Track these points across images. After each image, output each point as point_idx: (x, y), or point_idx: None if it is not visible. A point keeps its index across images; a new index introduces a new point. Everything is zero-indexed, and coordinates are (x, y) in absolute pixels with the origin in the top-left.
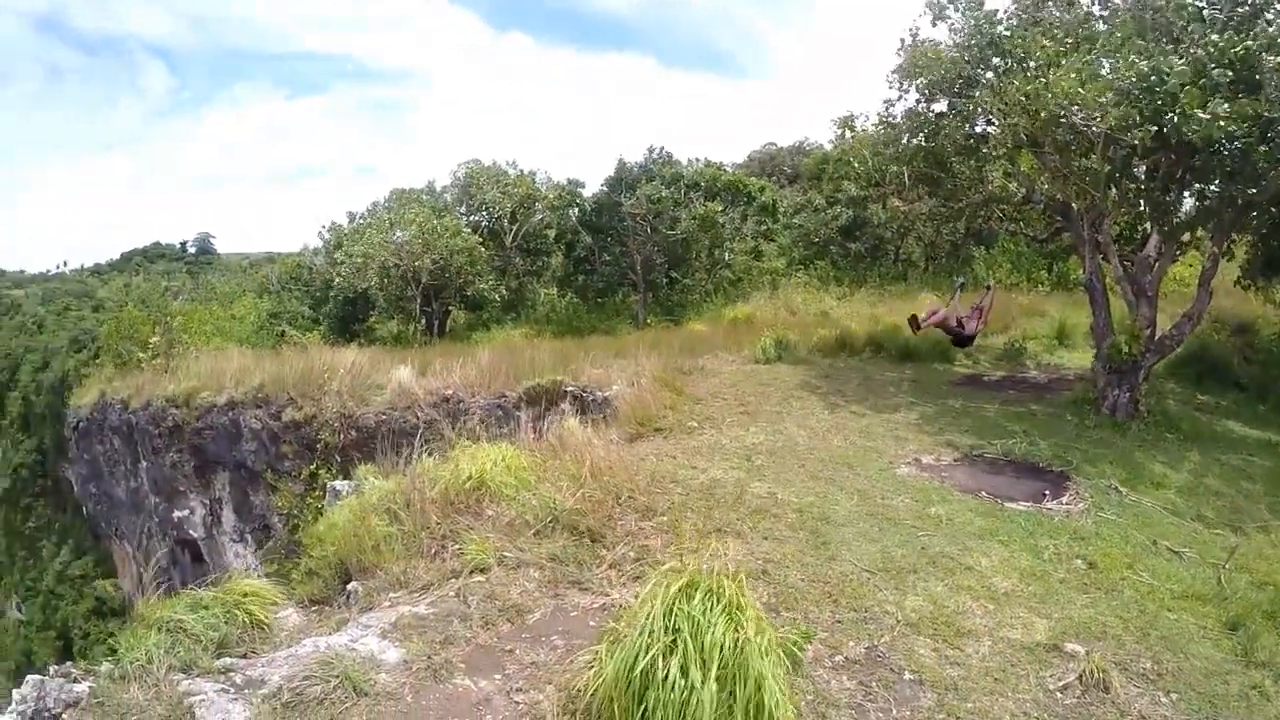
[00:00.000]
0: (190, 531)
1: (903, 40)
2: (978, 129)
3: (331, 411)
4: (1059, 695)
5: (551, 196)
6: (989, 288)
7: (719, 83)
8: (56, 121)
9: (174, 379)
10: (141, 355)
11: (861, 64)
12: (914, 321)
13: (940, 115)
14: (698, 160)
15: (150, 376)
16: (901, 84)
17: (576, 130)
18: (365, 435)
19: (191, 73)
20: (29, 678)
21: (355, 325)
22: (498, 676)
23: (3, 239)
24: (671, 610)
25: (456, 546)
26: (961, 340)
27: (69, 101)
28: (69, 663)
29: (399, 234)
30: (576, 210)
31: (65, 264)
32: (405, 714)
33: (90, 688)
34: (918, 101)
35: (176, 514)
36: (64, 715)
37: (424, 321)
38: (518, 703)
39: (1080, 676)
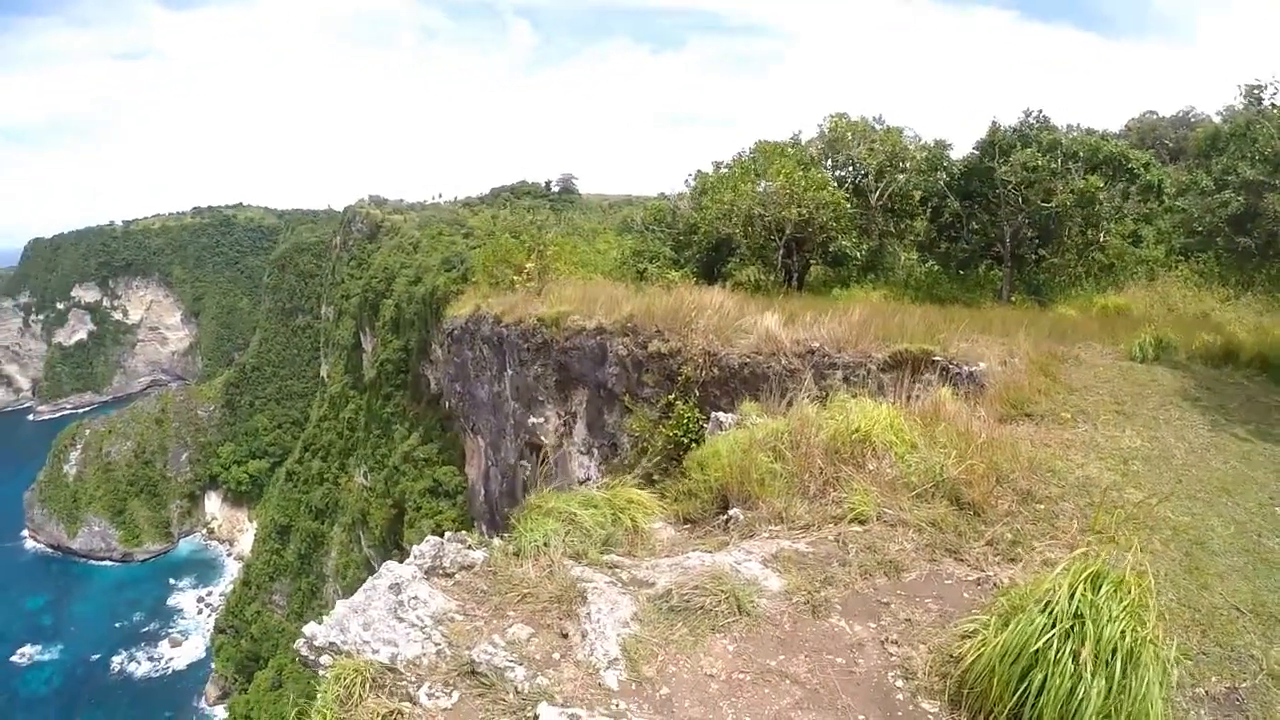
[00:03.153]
0: (542, 438)
1: None
2: None
3: (696, 348)
4: None
5: (920, 157)
6: None
7: (1089, 40)
8: (432, 74)
9: (546, 301)
10: (516, 278)
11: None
12: None
13: None
14: (1076, 127)
15: (523, 297)
16: None
17: (937, 87)
18: (727, 374)
19: (556, 30)
20: (429, 537)
21: (716, 269)
22: (873, 625)
23: (387, 172)
24: (1075, 596)
25: (837, 494)
26: None
27: (441, 58)
28: (462, 532)
29: (764, 184)
30: (944, 173)
31: (440, 195)
32: (783, 640)
33: (484, 557)
34: None
35: (532, 420)
36: (458, 575)
37: (784, 272)
38: (890, 654)
39: None
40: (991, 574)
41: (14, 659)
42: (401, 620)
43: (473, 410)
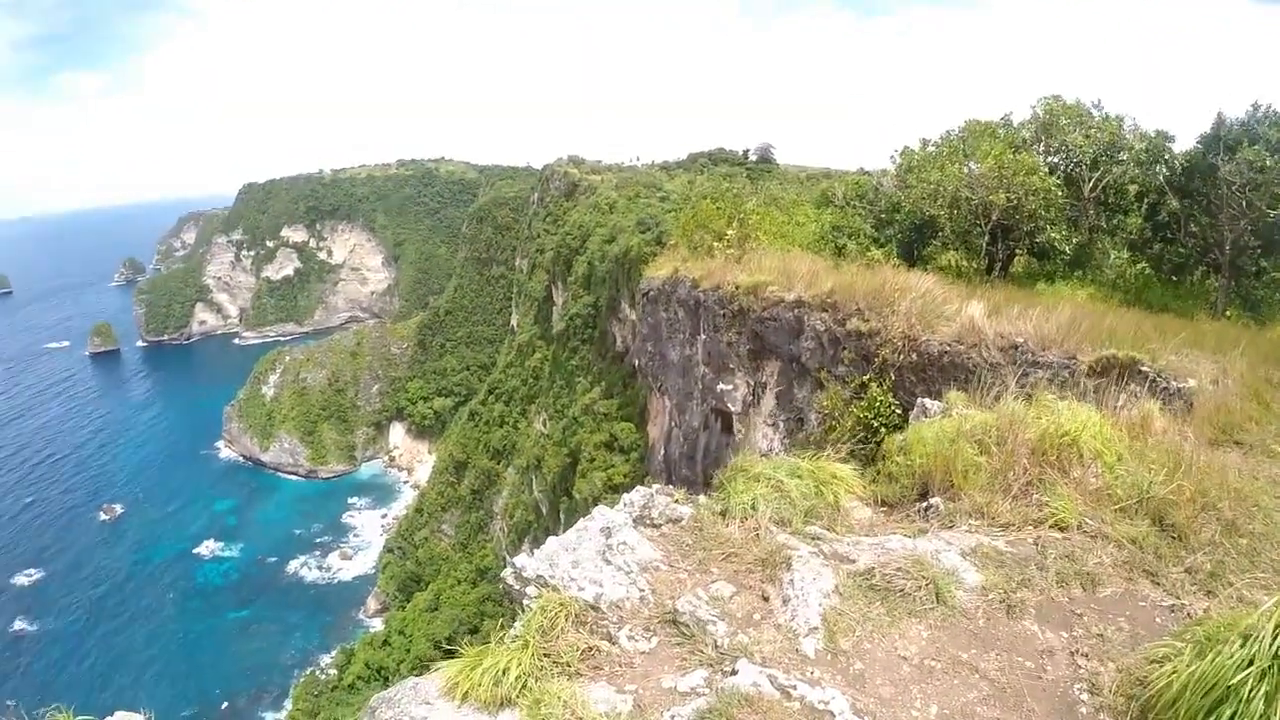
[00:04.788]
0: (729, 404)
1: None
2: None
3: (896, 330)
4: None
5: (1139, 147)
6: None
7: None
8: (633, 42)
9: (744, 270)
10: (716, 244)
11: None
12: None
13: None
14: None
15: (722, 263)
16: None
17: (1150, 69)
18: (925, 361)
19: None
20: (638, 488)
21: (916, 251)
22: (1064, 634)
23: (585, 135)
24: (1278, 636)
25: (1039, 496)
26: None
27: (638, 23)
28: (670, 486)
29: (972, 165)
30: (1164, 167)
31: (638, 158)
32: (975, 635)
33: (690, 513)
34: None
35: (720, 386)
36: (664, 527)
37: (987, 260)
38: (1079, 667)
39: None
40: (1186, 603)
41: (197, 550)
42: (609, 563)
43: (661, 371)
